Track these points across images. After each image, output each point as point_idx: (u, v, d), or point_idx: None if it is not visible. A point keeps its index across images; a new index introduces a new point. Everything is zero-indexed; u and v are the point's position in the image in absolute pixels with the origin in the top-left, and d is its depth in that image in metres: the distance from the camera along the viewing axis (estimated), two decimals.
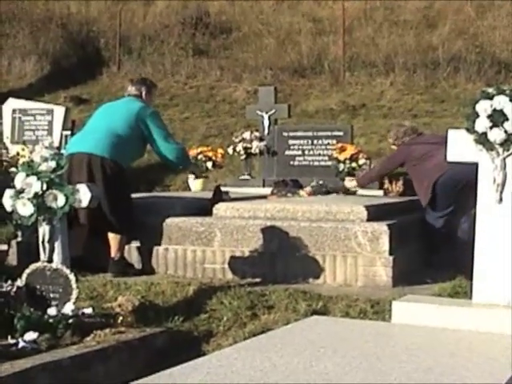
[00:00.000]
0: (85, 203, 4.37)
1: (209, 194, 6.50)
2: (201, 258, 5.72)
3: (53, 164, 4.35)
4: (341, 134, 8.90)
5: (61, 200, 4.29)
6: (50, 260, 4.37)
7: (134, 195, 6.14)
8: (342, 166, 7.66)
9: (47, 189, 4.29)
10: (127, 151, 5.82)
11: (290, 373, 2.89)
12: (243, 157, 9.36)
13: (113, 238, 5.71)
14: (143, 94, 6.07)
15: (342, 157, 7.68)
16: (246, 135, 9.33)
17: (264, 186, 8.71)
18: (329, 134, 9.01)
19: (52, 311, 4.18)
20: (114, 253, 5.70)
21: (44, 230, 4.38)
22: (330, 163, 8.45)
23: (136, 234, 5.87)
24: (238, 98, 13.72)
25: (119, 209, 5.64)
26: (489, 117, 3.85)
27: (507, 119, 3.83)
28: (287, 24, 16.28)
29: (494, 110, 3.85)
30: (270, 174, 9.15)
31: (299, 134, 9.21)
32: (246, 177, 9.28)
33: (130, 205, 5.84)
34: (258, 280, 5.45)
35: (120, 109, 5.96)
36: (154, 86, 6.34)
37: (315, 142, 9.06)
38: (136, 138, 5.86)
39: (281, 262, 5.52)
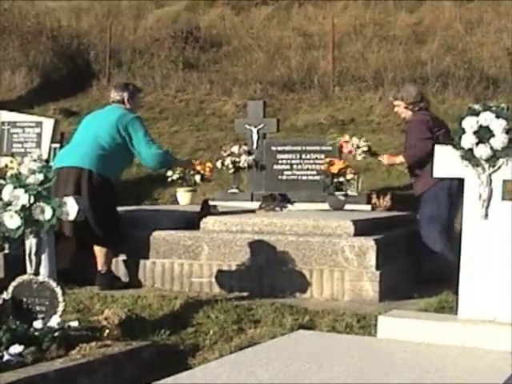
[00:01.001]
0: (72, 216, 4.37)
1: (197, 208, 6.51)
2: (188, 271, 5.72)
3: (40, 177, 4.35)
4: (329, 148, 8.93)
5: (48, 213, 4.29)
6: (37, 273, 4.36)
7: (121, 208, 6.14)
8: (329, 181, 7.67)
9: (34, 201, 4.29)
10: (114, 163, 5.81)
11: None
12: (232, 171, 9.38)
13: (99, 251, 5.70)
14: (125, 99, 6.03)
15: (332, 170, 7.69)
16: (235, 149, 9.35)
17: (252, 200, 8.73)
18: (317, 148, 9.05)
19: (38, 324, 4.16)
20: (100, 266, 5.69)
21: (31, 242, 4.36)
22: (318, 178, 8.47)
23: (123, 247, 5.87)
24: (228, 112, 13.74)
25: (105, 222, 5.63)
26: (475, 133, 3.88)
27: (493, 135, 3.85)
28: (277, 38, 16.35)
29: (481, 127, 3.88)
30: (259, 188, 9.17)
31: (288, 148, 9.24)
32: (235, 190, 9.30)
33: (117, 218, 5.83)
34: (244, 294, 5.46)
35: (102, 118, 5.94)
36: (137, 90, 6.27)
37: (304, 156, 9.09)
38: (121, 148, 5.84)
39: (268, 276, 5.53)
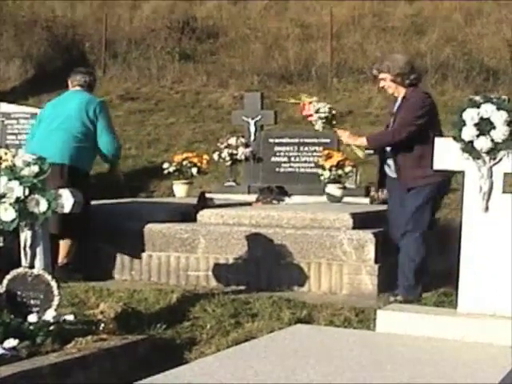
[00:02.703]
0: (67, 209, 4.32)
1: (193, 200, 6.47)
2: (184, 264, 5.68)
3: (35, 169, 4.29)
4: (327, 140, 8.88)
5: (43, 205, 4.23)
6: (32, 266, 4.31)
7: (116, 201, 6.10)
8: (327, 174, 7.64)
9: (29, 194, 4.23)
10: (87, 151, 5.76)
11: (273, 381, 2.85)
12: (228, 163, 9.32)
13: (63, 244, 5.63)
14: (87, 83, 5.98)
15: (327, 164, 7.66)
16: (232, 141, 9.29)
17: (249, 192, 8.67)
18: (315, 140, 8.99)
19: (32, 318, 4.11)
20: (60, 258, 5.62)
21: (26, 235, 4.31)
22: (316, 170, 8.42)
23: (121, 240, 5.82)
24: (224, 104, 13.69)
25: (76, 216, 5.52)
26: (476, 125, 3.83)
27: (494, 128, 3.81)
28: (275, 29, 16.29)
29: (481, 119, 3.84)
30: (256, 180, 9.12)
31: (285, 140, 9.18)
32: (231, 183, 9.24)
33: (88, 212, 5.65)
34: (242, 287, 5.42)
35: (69, 106, 5.84)
36: (95, 79, 6.24)
37: (301, 148, 9.04)
38: (93, 134, 5.79)
39: (265, 269, 5.49)
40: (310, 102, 5.66)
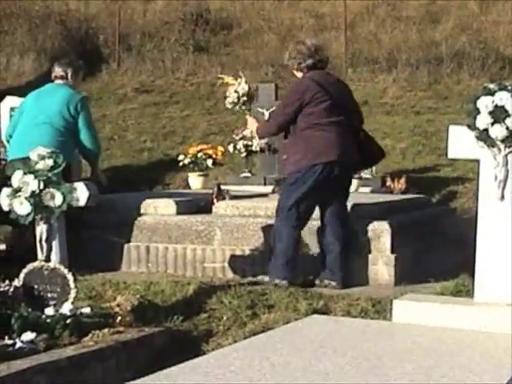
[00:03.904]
0: (83, 202, 4.33)
1: (209, 192, 6.46)
2: (201, 256, 5.67)
3: (50, 162, 4.31)
4: None
5: (58, 199, 4.25)
6: (48, 259, 4.33)
7: (132, 193, 6.11)
8: None
9: (44, 187, 4.25)
10: (70, 145, 5.74)
11: (289, 373, 2.85)
12: (244, 154, 9.29)
13: None
14: (69, 75, 5.90)
15: None
16: (247, 132, 9.27)
17: (265, 183, 8.65)
18: None
19: (50, 311, 4.13)
20: None
21: (41, 229, 4.33)
22: None
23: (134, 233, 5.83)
24: None
25: None
26: (490, 113, 3.81)
27: (509, 115, 3.78)
28: (288, 20, 16.22)
29: (496, 107, 3.81)
30: (271, 171, 9.09)
31: None
32: (247, 174, 9.22)
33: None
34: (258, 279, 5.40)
35: (50, 99, 5.80)
36: (81, 67, 6.12)
37: None
38: (74, 128, 5.78)
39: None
40: (232, 84, 5.65)
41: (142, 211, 5.97)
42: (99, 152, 6.19)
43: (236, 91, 5.56)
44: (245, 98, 5.61)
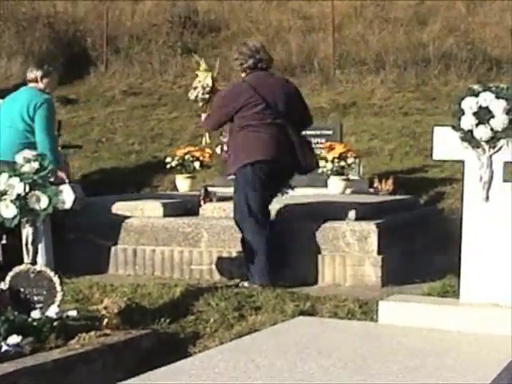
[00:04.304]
0: (68, 205, 4.32)
1: (196, 195, 6.45)
2: (188, 259, 5.68)
3: (36, 165, 4.30)
4: (330, 132, 8.86)
5: (44, 201, 4.24)
6: (34, 262, 4.31)
7: (117, 196, 6.09)
8: (329, 165, 7.63)
9: (30, 190, 4.23)
10: (34, 146, 5.66)
11: (274, 374, 2.85)
12: None
13: None
14: (38, 78, 5.91)
15: (330, 156, 7.65)
16: None
17: None
18: (318, 132, 8.95)
19: (36, 314, 4.12)
20: None
21: (27, 231, 4.32)
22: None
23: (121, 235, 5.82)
24: None
25: None
26: (474, 114, 3.82)
27: (493, 116, 3.80)
28: (276, 22, 16.22)
29: (480, 108, 3.83)
30: None
31: None
32: (234, 177, 9.19)
33: None
34: (245, 281, 5.40)
35: (17, 103, 5.83)
36: (53, 70, 6.13)
37: None
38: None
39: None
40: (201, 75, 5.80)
41: (129, 213, 5.96)
42: (53, 159, 5.40)
43: (201, 84, 5.70)
44: (206, 95, 5.75)
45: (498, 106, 3.78)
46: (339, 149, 7.75)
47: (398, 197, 7.56)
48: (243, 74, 5.31)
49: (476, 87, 3.87)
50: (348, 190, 7.71)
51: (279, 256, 5.23)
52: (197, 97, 5.76)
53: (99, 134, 12.26)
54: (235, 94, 5.23)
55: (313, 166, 5.49)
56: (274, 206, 5.54)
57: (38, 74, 5.91)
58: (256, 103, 5.12)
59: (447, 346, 3.38)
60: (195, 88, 5.75)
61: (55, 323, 4.04)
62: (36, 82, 5.91)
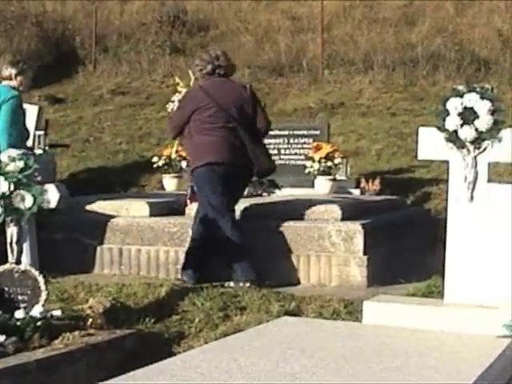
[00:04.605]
0: (53, 204, 4.31)
1: (183, 194, 6.45)
2: (174, 258, 5.66)
3: (21, 164, 4.28)
4: (317, 132, 8.86)
5: (29, 201, 4.22)
6: (18, 262, 4.29)
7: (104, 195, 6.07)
8: (316, 166, 7.63)
9: (15, 189, 4.22)
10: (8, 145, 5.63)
11: (256, 374, 2.85)
12: None
13: None
14: (13, 76, 5.94)
15: (317, 156, 7.65)
16: None
17: None
18: (305, 132, 8.96)
19: (20, 314, 4.10)
20: None
21: (12, 231, 4.30)
22: (306, 162, 8.40)
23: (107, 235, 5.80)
24: None
25: None
26: (459, 115, 3.83)
27: (478, 117, 3.81)
28: (265, 22, 16.21)
29: (465, 108, 3.84)
30: None
31: (275, 132, 9.08)
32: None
33: None
34: (231, 281, 5.39)
35: None
36: (28, 68, 6.13)
37: (291, 140, 9.00)
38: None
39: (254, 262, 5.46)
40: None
41: (115, 213, 5.94)
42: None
43: (178, 98, 6.06)
44: None
45: (482, 107, 3.79)
46: (326, 149, 7.75)
47: (384, 197, 7.57)
48: (202, 80, 5.52)
49: (461, 88, 3.88)
50: (334, 190, 7.71)
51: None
52: (173, 109, 6.17)
53: (87, 133, 12.22)
54: (190, 97, 5.46)
55: (267, 169, 5.52)
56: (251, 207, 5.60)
57: (13, 71, 5.95)
58: (208, 106, 5.28)
59: (430, 346, 3.38)
60: (173, 101, 5.92)
61: (39, 323, 4.03)
62: (10, 79, 5.95)
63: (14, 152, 4.36)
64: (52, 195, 4.29)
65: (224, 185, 5.27)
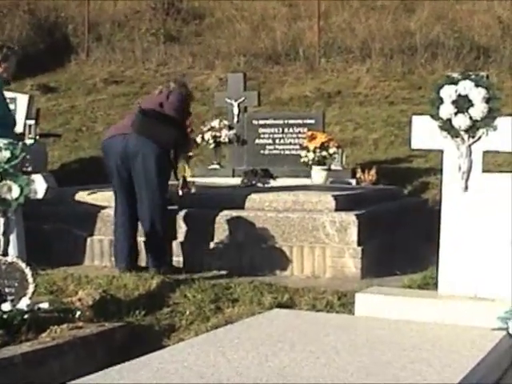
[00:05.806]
0: (41, 194, 4.25)
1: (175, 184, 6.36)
2: None
3: (7, 154, 4.20)
4: (312, 122, 8.75)
5: (15, 191, 4.15)
6: (5, 253, 4.22)
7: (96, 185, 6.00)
8: (311, 155, 7.54)
9: (1, 180, 4.15)
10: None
11: (244, 368, 2.78)
12: (212, 146, 9.17)
13: None
14: None
15: (311, 145, 7.56)
16: (215, 123, 9.15)
17: (234, 175, 8.55)
18: (300, 122, 8.86)
19: (6, 306, 4.04)
20: None
21: None
22: (301, 152, 8.31)
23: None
24: (211, 86, 13.50)
25: None
26: (453, 103, 3.75)
27: (472, 105, 3.73)
28: (261, 9, 16.07)
29: (459, 96, 3.75)
30: (240, 163, 8.99)
31: (270, 122, 9.04)
32: (215, 166, 9.11)
33: None
34: (223, 272, 5.34)
35: None
36: (11, 54, 5.97)
37: (286, 130, 8.90)
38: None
39: (247, 253, 5.41)
40: None
41: (106, 204, 5.86)
42: None
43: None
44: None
45: (477, 95, 3.71)
46: (321, 138, 7.66)
47: (380, 187, 7.50)
48: None
49: (455, 75, 3.79)
50: (330, 180, 7.63)
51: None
52: None
53: (79, 122, 12.10)
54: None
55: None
56: None
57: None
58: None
59: (423, 338, 3.31)
60: None
61: (26, 316, 3.98)
62: None
63: (1, 142, 4.28)
64: (39, 185, 4.24)
65: None
